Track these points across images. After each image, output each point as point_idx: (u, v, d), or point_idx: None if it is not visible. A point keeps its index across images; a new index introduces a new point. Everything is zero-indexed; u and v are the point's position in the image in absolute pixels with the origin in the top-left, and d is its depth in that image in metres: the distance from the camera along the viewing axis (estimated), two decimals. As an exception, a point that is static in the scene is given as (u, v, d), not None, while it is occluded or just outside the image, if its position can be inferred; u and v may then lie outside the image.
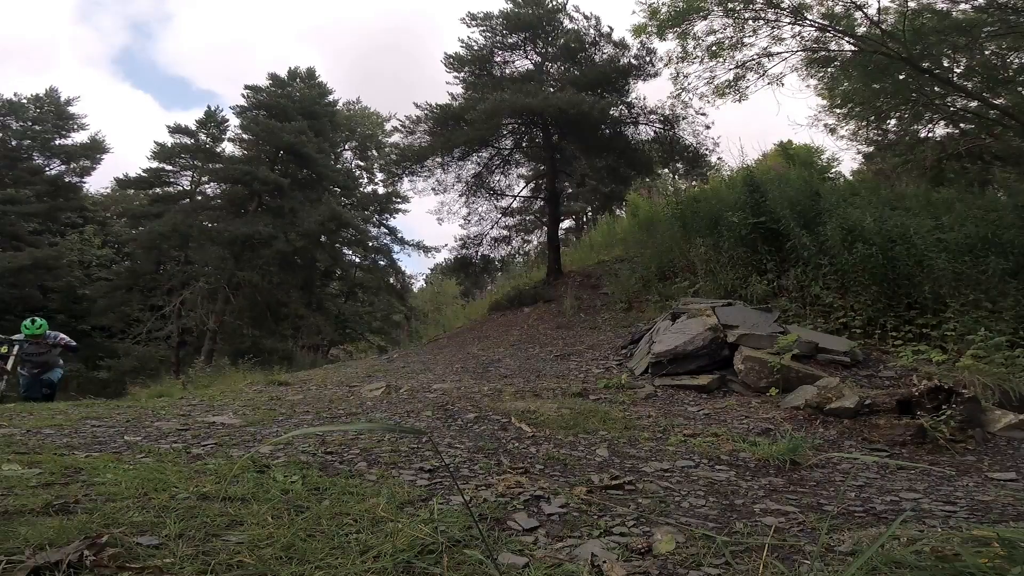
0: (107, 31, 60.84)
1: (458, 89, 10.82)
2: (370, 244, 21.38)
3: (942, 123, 8.82)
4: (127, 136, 50.50)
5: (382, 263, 21.14)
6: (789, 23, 8.00)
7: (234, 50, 68.01)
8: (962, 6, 7.23)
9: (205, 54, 65.35)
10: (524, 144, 11.12)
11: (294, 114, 20.17)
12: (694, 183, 11.15)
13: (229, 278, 17.14)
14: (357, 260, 22.06)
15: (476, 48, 10.83)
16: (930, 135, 9.02)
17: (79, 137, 22.57)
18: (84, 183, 23.01)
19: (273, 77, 21.86)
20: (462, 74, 10.95)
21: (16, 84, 46.88)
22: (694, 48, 8.67)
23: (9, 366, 5.57)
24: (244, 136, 20.62)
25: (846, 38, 7.90)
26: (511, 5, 10.76)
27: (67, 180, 22.09)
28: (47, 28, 54.14)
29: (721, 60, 8.61)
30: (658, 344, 4.02)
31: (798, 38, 8.20)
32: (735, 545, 1.05)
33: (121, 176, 21.83)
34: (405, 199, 22.21)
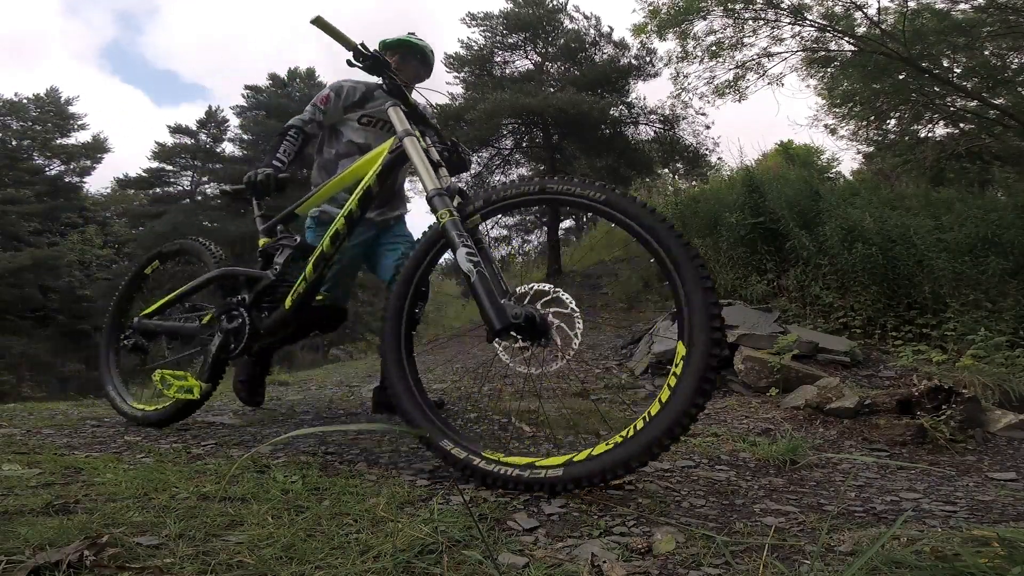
0: (96, 24, 60.78)
1: (458, 89, 10.84)
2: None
3: (942, 123, 8.83)
4: (121, 132, 50.72)
5: (382, 263, 21.13)
6: (789, 23, 8.01)
7: (222, 42, 68.05)
8: (962, 6, 7.24)
9: (192, 47, 65.40)
10: (524, 144, 11.13)
11: (294, 114, 20.14)
12: (694, 183, 11.16)
13: (229, 278, 17.11)
14: (357, 260, 21.99)
15: (476, 48, 10.84)
16: (930, 135, 9.03)
17: (80, 137, 22.57)
18: (84, 183, 23.01)
19: (273, 77, 21.85)
20: (462, 74, 10.97)
21: (6, 79, 46.86)
22: (694, 48, 8.68)
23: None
24: (244, 136, 20.60)
25: (846, 38, 7.91)
26: (511, 5, 10.76)
27: (67, 180, 22.10)
28: (36, 22, 54.18)
29: (721, 60, 8.62)
30: (658, 344, 4.02)
31: (798, 38, 8.22)
32: (735, 545, 1.05)
33: (119, 175, 21.85)
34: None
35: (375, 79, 2.34)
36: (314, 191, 2.04)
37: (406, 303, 1.66)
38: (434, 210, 1.59)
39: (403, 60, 2.52)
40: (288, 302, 1.89)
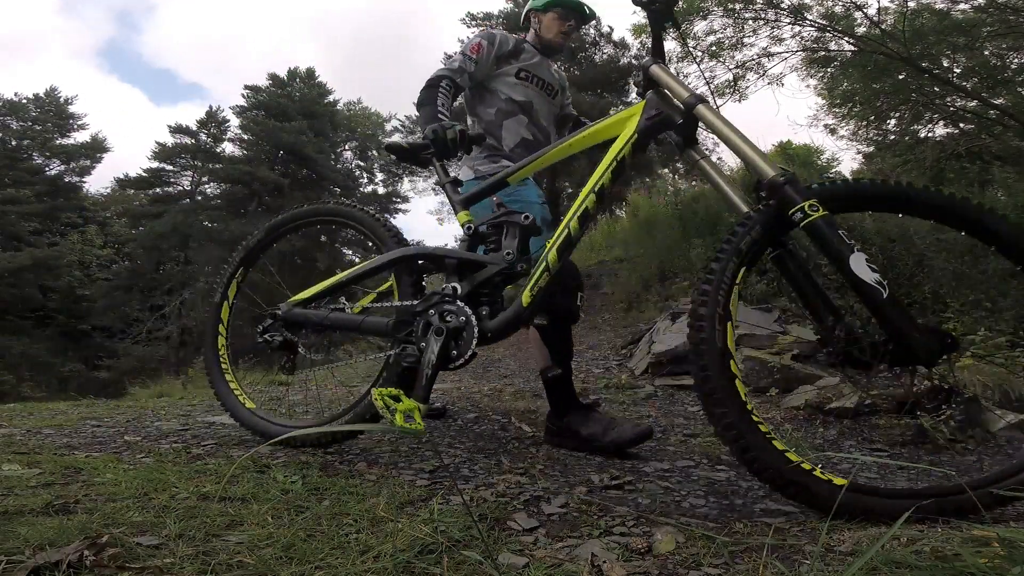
0: (93, 23, 60.64)
1: (458, 89, 10.84)
2: (370, 245, 21.37)
3: (942, 123, 8.83)
4: (120, 131, 50.63)
5: (382, 263, 21.19)
6: (789, 23, 8.01)
7: (221, 41, 67.85)
8: (962, 6, 7.24)
9: (190, 46, 65.12)
10: (524, 144, 11.13)
11: (294, 114, 20.20)
12: (694, 183, 11.16)
13: (229, 278, 17.13)
14: (357, 260, 22.08)
15: (476, 48, 10.84)
16: (930, 135, 9.03)
17: (80, 136, 22.54)
18: (84, 183, 23.00)
19: (273, 77, 21.88)
20: (462, 74, 10.97)
21: (5, 79, 46.76)
22: (694, 48, 8.68)
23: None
24: (244, 136, 20.61)
25: (846, 38, 7.91)
26: (511, 5, 10.77)
27: (67, 180, 22.09)
28: (33, 20, 53.97)
29: (721, 60, 8.62)
30: (658, 344, 4.02)
31: (798, 38, 8.22)
32: (735, 545, 1.05)
33: (119, 175, 21.85)
34: (405, 199, 22.24)
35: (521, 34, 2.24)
36: (536, 156, 1.71)
37: (726, 307, 1.32)
38: (786, 201, 1.31)
39: (562, 18, 2.27)
40: (527, 296, 1.53)
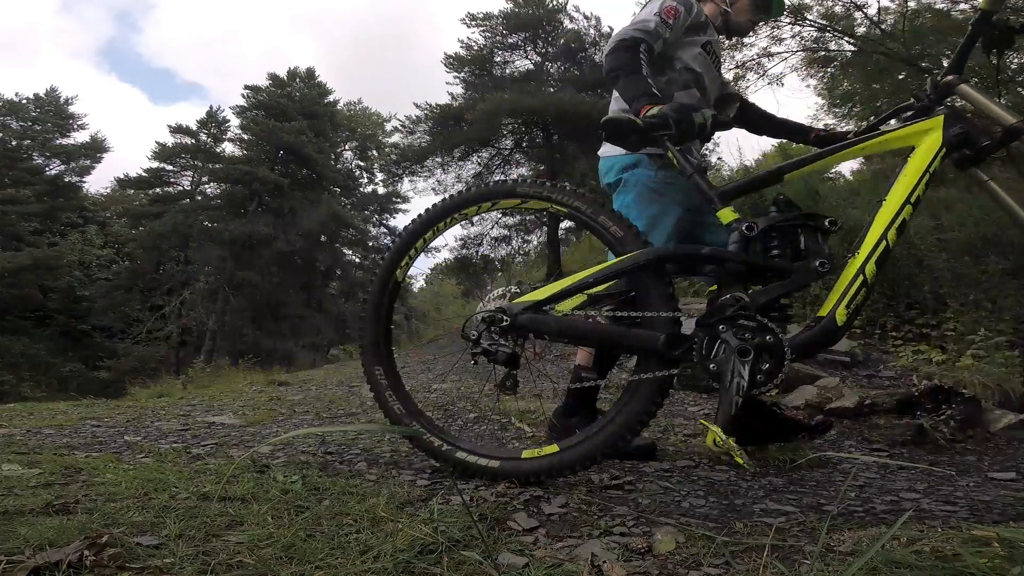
0: (92, 22, 60.58)
1: (458, 89, 10.87)
2: (370, 244, 21.39)
3: (942, 123, 8.82)
4: (119, 130, 50.65)
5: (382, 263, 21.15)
6: (789, 23, 8.01)
7: (220, 40, 67.78)
8: (962, 6, 7.24)
9: (189, 45, 65.07)
10: (524, 144, 11.15)
11: (294, 114, 20.19)
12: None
13: (229, 278, 17.16)
14: (357, 260, 22.07)
15: (476, 48, 10.86)
16: (930, 135, 9.02)
17: (80, 136, 22.49)
18: (84, 183, 22.95)
19: (273, 77, 21.86)
20: (462, 74, 10.98)
21: (4, 79, 46.64)
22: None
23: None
24: (244, 136, 20.59)
25: (846, 38, 7.92)
26: (511, 5, 10.78)
27: (67, 180, 22.04)
28: (32, 20, 53.82)
29: (721, 60, 8.63)
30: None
31: (798, 38, 8.22)
32: (735, 545, 1.05)
33: (119, 175, 21.80)
34: (405, 199, 22.22)
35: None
36: (822, 154, 1.51)
37: None
38: None
39: (758, 8, 2.09)
40: (842, 313, 1.34)
